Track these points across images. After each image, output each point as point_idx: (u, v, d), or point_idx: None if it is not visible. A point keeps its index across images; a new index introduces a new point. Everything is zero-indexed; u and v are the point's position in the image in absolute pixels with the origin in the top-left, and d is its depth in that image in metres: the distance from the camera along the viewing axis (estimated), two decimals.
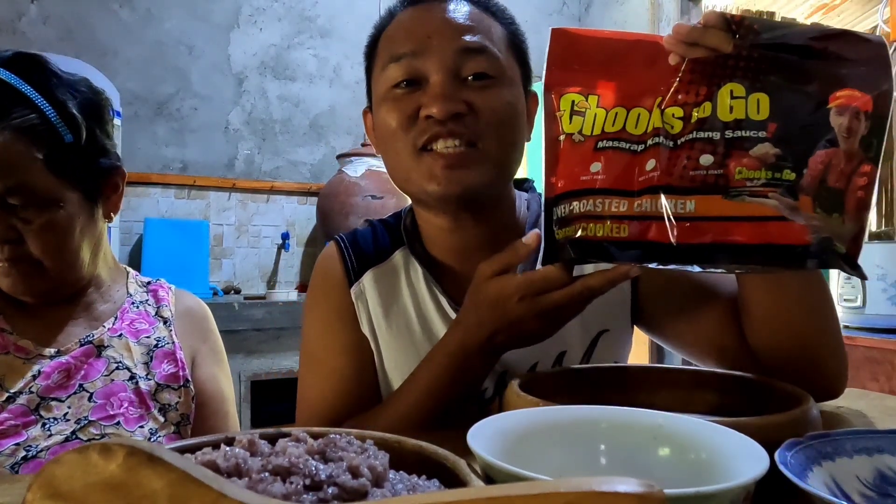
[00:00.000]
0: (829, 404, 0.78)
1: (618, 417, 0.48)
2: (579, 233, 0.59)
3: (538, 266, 0.62)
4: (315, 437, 0.38)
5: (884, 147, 0.53)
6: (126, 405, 0.83)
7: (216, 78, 2.83)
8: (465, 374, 0.70)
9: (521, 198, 0.89)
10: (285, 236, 2.90)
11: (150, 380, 0.87)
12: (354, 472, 0.34)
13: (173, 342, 0.92)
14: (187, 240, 2.64)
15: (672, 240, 0.56)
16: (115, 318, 0.90)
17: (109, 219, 0.90)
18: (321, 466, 0.33)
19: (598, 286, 0.61)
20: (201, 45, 2.80)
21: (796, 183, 0.54)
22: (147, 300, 0.96)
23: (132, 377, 0.85)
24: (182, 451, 0.36)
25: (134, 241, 2.67)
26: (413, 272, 0.86)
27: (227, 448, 0.35)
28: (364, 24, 3.18)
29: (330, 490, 0.32)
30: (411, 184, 0.78)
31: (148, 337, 0.91)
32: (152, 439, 0.82)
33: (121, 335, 0.89)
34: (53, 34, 2.55)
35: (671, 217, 0.56)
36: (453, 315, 0.81)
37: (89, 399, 0.82)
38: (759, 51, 0.55)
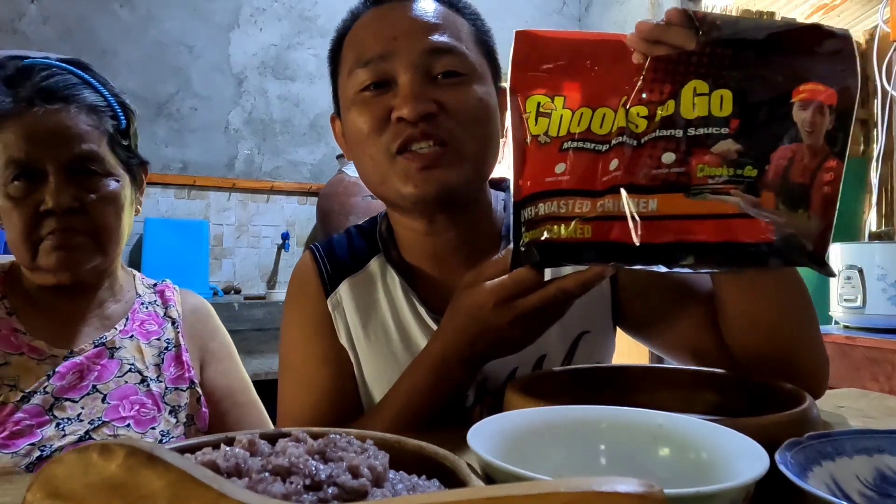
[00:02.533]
0: (830, 404, 0.78)
1: (618, 417, 0.48)
2: (545, 235, 0.58)
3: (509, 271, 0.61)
4: (315, 437, 0.38)
5: (849, 141, 0.53)
6: (137, 408, 0.84)
7: (216, 78, 2.82)
8: (446, 385, 0.69)
9: (497, 197, 0.87)
10: (285, 236, 2.90)
11: (160, 382, 0.88)
12: (354, 472, 0.34)
13: (180, 344, 0.92)
14: (187, 240, 2.64)
15: (635, 240, 0.55)
16: (127, 318, 0.91)
17: (137, 212, 0.94)
18: (321, 466, 0.33)
19: (573, 288, 0.59)
20: (201, 45, 2.80)
21: (758, 179, 0.53)
22: (155, 301, 0.96)
23: (143, 380, 0.86)
24: (182, 451, 0.36)
25: (134, 242, 2.67)
26: (390, 280, 0.84)
27: (227, 448, 0.35)
28: None
29: (330, 490, 0.32)
30: (386, 187, 0.76)
31: (158, 339, 0.91)
32: (164, 441, 0.83)
33: (132, 336, 0.89)
34: (53, 34, 2.55)
35: (634, 216, 0.55)
36: (431, 324, 0.80)
37: (103, 400, 0.82)
38: (722, 47, 0.55)
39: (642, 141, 0.56)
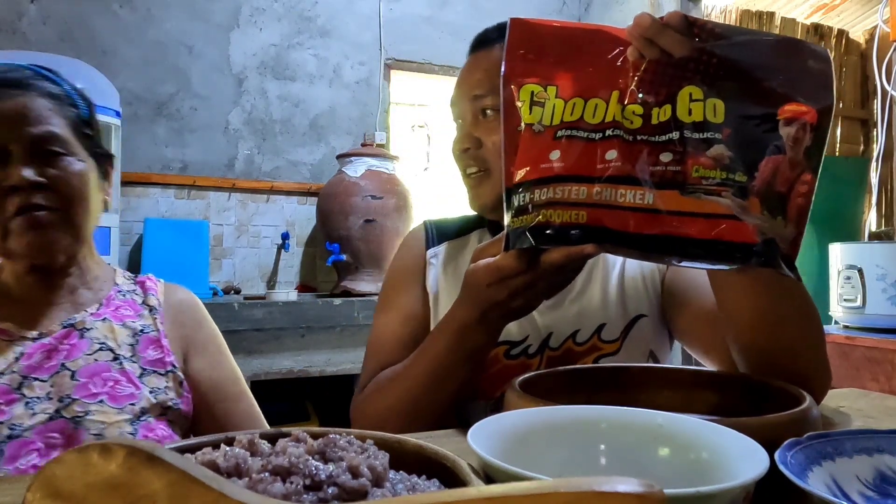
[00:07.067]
0: (830, 404, 0.78)
1: (618, 417, 0.48)
2: (539, 219, 0.60)
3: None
4: (315, 437, 0.38)
5: (823, 158, 0.56)
6: (111, 384, 0.83)
7: (216, 78, 2.82)
8: (470, 346, 0.75)
9: None
10: (285, 236, 2.90)
11: (135, 362, 0.87)
12: (354, 472, 0.34)
13: (158, 330, 0.92)
14: (187, 240, 2.64)
15: (628, 228, 0.58)
16: (100, 304, 0.91)
17: (106, 205, 0.94)
18: (321, 466, 0.33)
19: (559, 260, 0.63)
20: (201, 45, 2.80)
21: (748, 185, 0.56)
22: (134, 290, 0.96)
23: (116, 358, 0.86)
24: (182, 451, 0.36)
25: (134, 241, 2.67)
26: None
27: (227, 448, 0.35)
28: (364, 23, 3.19)
29: (330, 490, 0.32)
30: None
31: (133, 322, 0.91)
32: (142, 418, 0.83)
33: (105, 319, 0.89)
34: (53, 34, 2.55)
35: (629, 207, 0.58)
36: None
37: (72, 377, 0.82)
38: (718, 56, 0.58)
39: (639, 137, 0.59)
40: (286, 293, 2.56)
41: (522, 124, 0.62)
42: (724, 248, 0.56)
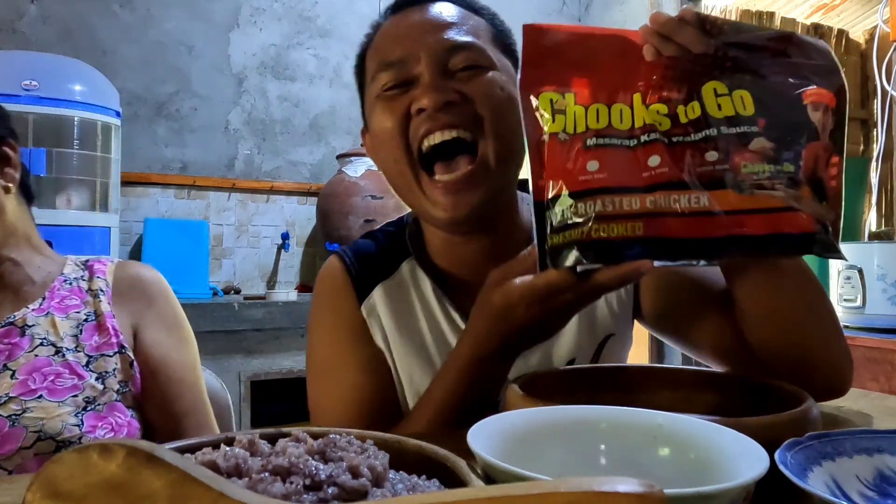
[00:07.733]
0: (830, 404, 0.78)
1: (618, 417, 0.48)
2: (595, 234, 0.56)
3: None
4: (315, 437, 0.38)
5: (846, 139, 0.57)
6: (52, 378, 0.83)
7: (216, 78, 2.82)
8: (480, 384, 0.69)
9: (522, 199, 0.86)
10: (285, 236, 2.90)
11: (79, 352, 0.87)
12: (354, 472, 0.34)
13: (103, 313, 0.91)
14: (187, 240, 2.64)
15: (688, 235, 0.56)
16: (43, 298, 0.90)
17: (7, 191, 0.91)
18: (321, 466, 0.33)
19: (609, 283, 0.58)
20: (201, 45, 2.80)
21: (796, 174, 0.56)
22: (82, 276, 0.95)
23: (58, 351, 0.85)
24: (182, 451, 0.36)
25: (134, 241, 2.67)
26: (422, 285, 0.84)
27: (227, 448, 0.35)
28: (364, 24, 3.17)
29: (330, 490, 0.32)
30: (414, 203, 0.78)
31: (77, 312, 0.90)
32: (89, 408, 0.83)
33: (47, 313, 0.89)
34: (53, 34, 2.54)
35: (686, 212, 0.57)
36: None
37: (12, 377, 0.82)
38: (732, 50, 0.58)
39: (677, 139, 0.58)
40: (286, 293, 2.56)
41: (545, 134, 0.59)
42: (786, 241, 0.56)
